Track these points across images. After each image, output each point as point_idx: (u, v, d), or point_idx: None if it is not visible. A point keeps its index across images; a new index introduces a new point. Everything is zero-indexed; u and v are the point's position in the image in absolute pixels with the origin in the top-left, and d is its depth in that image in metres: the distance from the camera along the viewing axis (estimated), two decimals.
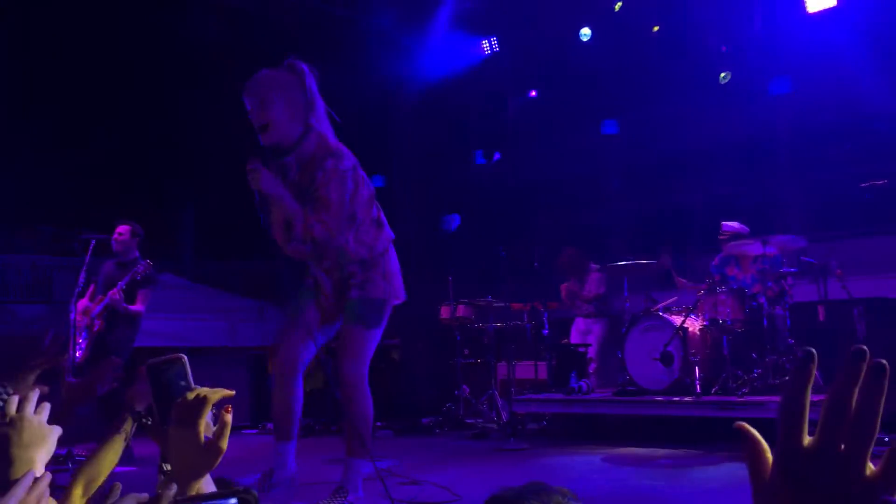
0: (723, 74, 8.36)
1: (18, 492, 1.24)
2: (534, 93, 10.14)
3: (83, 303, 6.19)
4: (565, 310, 7.53)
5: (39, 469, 1.38)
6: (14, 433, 1.41)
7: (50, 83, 11.93)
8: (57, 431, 1.46)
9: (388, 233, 3.84)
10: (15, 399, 1.46)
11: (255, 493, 1.23)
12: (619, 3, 8.88)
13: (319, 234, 3.55)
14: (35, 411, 1.46)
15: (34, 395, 1.48)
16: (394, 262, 3.85)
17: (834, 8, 7.49)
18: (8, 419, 1.44)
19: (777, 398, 5.14)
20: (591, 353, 6.99)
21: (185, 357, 1.42)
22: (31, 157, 12.42)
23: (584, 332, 7.36)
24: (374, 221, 3.78)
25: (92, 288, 6.29)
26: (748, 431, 0.67)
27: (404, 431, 7.14)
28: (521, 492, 1.16)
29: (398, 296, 3.85)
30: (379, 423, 7.37)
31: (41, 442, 1.43)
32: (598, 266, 7.41)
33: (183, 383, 1.39)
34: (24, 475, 1.29)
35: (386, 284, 3.76)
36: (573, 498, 1.22)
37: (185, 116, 12.05)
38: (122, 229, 6.30)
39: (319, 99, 3.68)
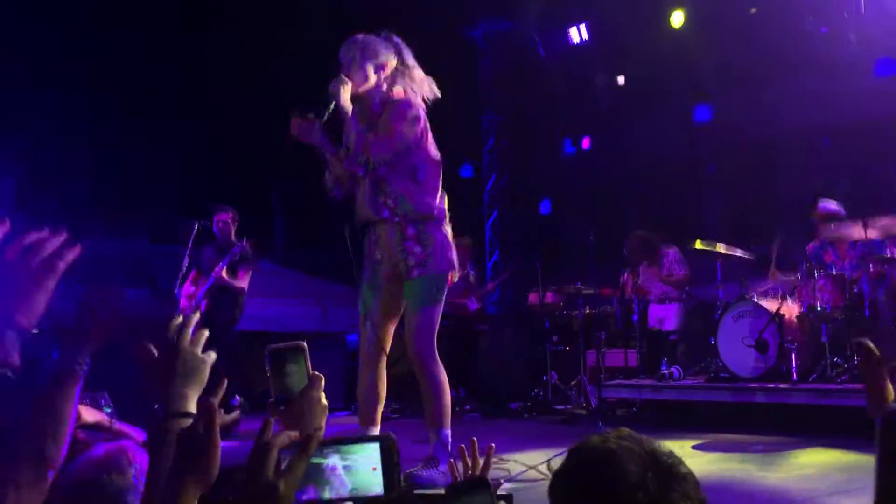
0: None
1: None
2: (622, 79, 10.02)
3: (187, 287, 6.48)
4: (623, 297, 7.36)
5: (192, 405, 1.35)
6: (174, 365, 1.36)
7: (145, 79, 12.41)
8: (211, 360, 1.41)
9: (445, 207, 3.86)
10: (175, 325, 1.41)
11: (393, 436, 1.34)
12: None
13: (375, 155, 3.57)
14: (192, 341, 1.40)
15: (193, 320, 1.43)
16: (450, 237, 3.86)
17: None
18: (171, 348, 1.38)
19: None
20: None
21: (305, 344, 1.52)
22: (127, 150, 12.98)
23: (658, 319, 7.24)
24: (438, 189, 3.81)
25: (193, 273, 6.57)
26: (865, 343, 0.71)
27: (492, 415, 7.20)
28: (606, 436, 1.18)
29: (455, 269, 3.85)
30: (467, 407, 7.47)
31: (197, 376, 1.38)
32: (675, 248, 7.29)
33: (301, 369, 1.50)
34: None
35: (445, 258, 3.77)
36: (660, 447, 1.20)
37: (268, 107, 12.37)
38: (224, 216, 6.57)
39: (418, 69, 3.79)
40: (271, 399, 1.49)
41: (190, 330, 1.43)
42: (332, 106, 3.57)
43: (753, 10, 8.41)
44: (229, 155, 13.56)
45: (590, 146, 10.34)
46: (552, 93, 10.36)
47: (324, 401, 1.48)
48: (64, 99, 11.76)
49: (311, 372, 1.50)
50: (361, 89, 3.71)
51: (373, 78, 3.72)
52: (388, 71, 3.77)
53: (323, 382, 1.50)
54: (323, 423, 1.47)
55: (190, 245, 6.36)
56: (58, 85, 11.71)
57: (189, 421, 1.28)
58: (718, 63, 8.78)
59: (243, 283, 6.37)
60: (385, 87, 3.77)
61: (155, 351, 1.40)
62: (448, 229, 3.86)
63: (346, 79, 3.65)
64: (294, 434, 1.23)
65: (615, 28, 9.52)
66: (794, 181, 8.12)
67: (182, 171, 12.81)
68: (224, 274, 6.23)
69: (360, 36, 3.78)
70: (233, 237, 6.54)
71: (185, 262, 6.39)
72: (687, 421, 6.06)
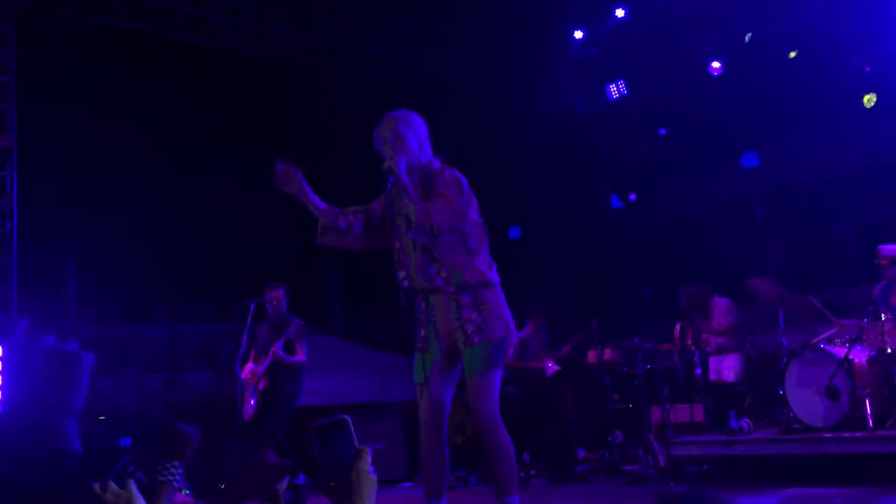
0: (867, 97, 7.98)
1: None
2: (663, 131, 10.03)
3: (249, 366, 6.60)
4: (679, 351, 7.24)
5: None
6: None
7: (200, 162, 12.83)
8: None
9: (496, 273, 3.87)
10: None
11: None
12: (749, 35, 8.72)
13: (438, 223, 3.60)
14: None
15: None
16: (504, 300, 3.85)
17: None
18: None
19: None
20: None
21: (349, 418, 1.55)
22: (187, 235, 13.38)
23: (716, 371, 7.08)
24: (488, 254, 3.84)
25: (253, 353, 6.70)
26: None
27: (559, 480, 7.06)
28: (684, 495, 1.18)
29: (513, 334, 3.82)
30: (533, 472, 7.34)
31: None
32: (727, 299, 7.17)
33: (347, 443, 1.52)
34: None
35: (503, 323, 3.75)
36: None
37: (324, 179, 12.66)
38: (276, 293, 6.70)
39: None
40: (322, 477, 1.51)
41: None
42: (395, 179, 3.66)
43: (793, 54, 8.39)
44: (287, 231, 13.85)
45: (636, 198, 10.32)
46: (596, 149, 10.42)
47: (372, 473, 1.51)
48: (125, 188, 12.22)
49: (357, 445, 1.52)
50: (413, 163, 3.80)
51: (417, 151, 3.82)
52: (425, 139, 3.88)
53: (369, 455, 1.52)
54: (372, 497, 1.50)
55: (248, 323, 6.49)
56: (117, 172, 12.14)
57: None
58: (761, 108, 8.75)
59: (302, 356, 6.49)
60: (425, 159, 3.85)
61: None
62: (502, 293, 3.87)
63: (395, 153, 3.74)
64: None
65: (654, 80, 9.57)
66: (847, 224, 7.97)
67: (241, 251, 13.12)
68: (281, 352, 6.37)
69: (399, 112, 3.88)
70: (285, 312, 6.66)
71: (245, 341, 6.52)
72: (761, 476, 5.87)
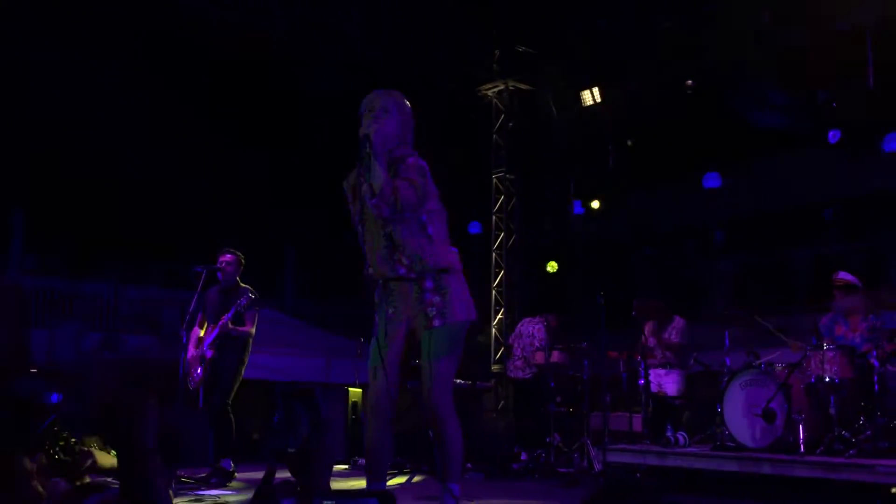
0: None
1: None
2: (630, 142, 10.14)
3: (195, 332, 6.49)
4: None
5: None
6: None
7: (165, 125, 12.62)
8: None
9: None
10: None
11: (394, 495, 1.33)
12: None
13: (404, 199, 3.57)
14: None
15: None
16: (466, 286, 3.84)
17: None
18: None
19: (887, 462, 4.91)
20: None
21: (316, 390, 1.52)
22: (144, 196, 13.15)
23: (658, 384, 7.24)
24: (448, 241, 3.84)
25: (200, 317, 6.59)
26: None
27: (495, 476, 7.11)
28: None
29: (472, 314, 3.83)
30: (469, 465, 7.37)
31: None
32: (685, 321, 7.34)
33: (311, 414, 1.50)
34: None
35: (464, 307, 3.76)
36: None
37: (285, 160, 12.57)
38: (228, 258, 6.60)
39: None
40: (280, 443, 1.49)
41: None
42: (369, 147, 3.61)
43: (765, 79, 8.52)
44: (246, 206, 13.72)
45: (600, 207, 10.42)
46: (563, 153, 10.48)
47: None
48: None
49: (320, 419, 1.50)
50: (388, 141, 3.77)
51: (396, 133, 3.79)
52: (408, 127, 3.86)
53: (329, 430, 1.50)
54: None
55: (198, 290, 6.37)
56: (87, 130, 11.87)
57: None
58: (727, 131, 8.89)
59: (250, 326, 6.40)
60: (402, 150, 3.83)
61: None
62: (462, 277, 3.86)
63: (377, 123, 3.71)
64: None
65: (628, 91, 9.66)
66: (802, 252, 8.15)
67: (198, 221, 12.94)
68: (230, 324, 6.27)
69: (398, 94, 3.87)
70: (234, 280, 6.57)
71: (193, 306, 6.40)
72: (691, 489, 5.97)
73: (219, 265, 6.54)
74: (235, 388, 6.32)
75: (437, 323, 3.68)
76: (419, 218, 3.72)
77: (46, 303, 12.88)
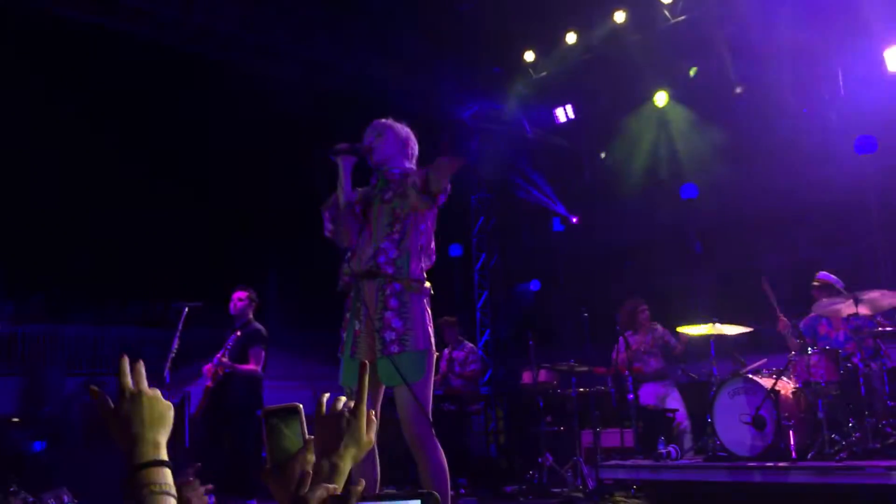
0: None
1: None
2: (604, 155, 10.20)
3: (207, 367, 6.35)
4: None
5: (163, 451, 1.28)
6: (137, 410, 1.28)
7: (135, 164, 12.54)
8: (172, 409, 1.34)
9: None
10: (126, 369, 1.32)
11: (437, 496, 1.29)
12: (694, 69, 8.92)
13: (435, 186, 3.62)
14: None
15: (142, 367, 1.35)
16: (429, 314, 3.71)
17: None
18: (127, 394, 1.29)
19: (878, 463, 4.90)
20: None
21: (301, 406, 1.48)
22: (118, 236, 13.05)
23: (656, 396, 7.24)
24: (432, 261, 3.81)
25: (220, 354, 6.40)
26: None
27: (487, 499, 7.04)
28: None
29: (432, 345, 3.65)
30: (462, 491, 7.29)
31: (163, 420, 1.31)
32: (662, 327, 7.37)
33: (296, 433, 1.45)
34: None
35: (425, 334, 3.61)
36: None
37: (264, 192, 12.53)
38: (241, 294, 6.51)
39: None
40: (266, 464, 1.44)
41: (142, 374, 1.35)
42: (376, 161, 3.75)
43: (739, 90, 8.59)
44: (227, 236, 13.63)
45: (578, 223, 10.44)
46: (540, 171, 10.51)
47: (311, 468, 1.41)
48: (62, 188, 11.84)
49: (306, 436, 1.46)
50: (388, 161, 3.81)
51: (395, 150, 3.85)
52: (407, 151, 3.91)
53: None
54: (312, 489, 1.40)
55: (179, 328, 6.25)
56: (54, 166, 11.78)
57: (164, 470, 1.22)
58: (702, 141, 8.95)
59: (253, 365, 6.22)
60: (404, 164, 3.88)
61: (111, 402, 1.32)
62: (428, 302, 3.76)
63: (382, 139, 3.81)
64: (333, 488, 1.18)
65: (601, 108, 9.71)
66: (782, 258, 8.19)
67: (180, 256, 12.82)
68: (227, 358, 6.12)
69: (391, 120, 3.93)
70: (250, 316, 6.49)
71: (175, 345, 6.28)
72: (687, 501, 5.94)
73: (231, 302, 6.48)
74: (246, 428, 6.12)
75: (393, 349, 3.54)
76: (418, 227, 3.71)
77: (26, 349, 12.71)
